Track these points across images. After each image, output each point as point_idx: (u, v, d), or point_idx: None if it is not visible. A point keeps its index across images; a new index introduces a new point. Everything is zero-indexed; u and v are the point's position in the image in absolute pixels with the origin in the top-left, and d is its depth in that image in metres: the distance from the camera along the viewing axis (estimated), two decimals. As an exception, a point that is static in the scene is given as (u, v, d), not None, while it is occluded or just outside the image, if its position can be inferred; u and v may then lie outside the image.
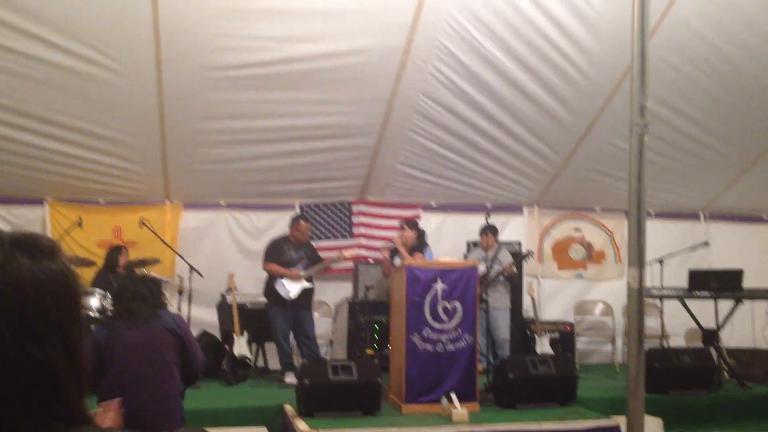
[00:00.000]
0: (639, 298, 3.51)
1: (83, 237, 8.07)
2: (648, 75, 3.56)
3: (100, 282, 7.10)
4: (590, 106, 7.61)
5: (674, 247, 8.12)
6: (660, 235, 9.33)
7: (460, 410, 5.68)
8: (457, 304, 6.13)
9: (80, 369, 1.04)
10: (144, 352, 3.85)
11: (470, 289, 6.19)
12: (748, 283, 7.31)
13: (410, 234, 7.43)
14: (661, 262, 7.54)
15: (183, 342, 3.98)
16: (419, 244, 7.39)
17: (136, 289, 4.03)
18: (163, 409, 3.82)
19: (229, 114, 7.22)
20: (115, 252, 7.41)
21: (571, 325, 8.74)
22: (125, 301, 4.02)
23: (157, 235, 7.71)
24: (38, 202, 8.11)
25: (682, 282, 7.41)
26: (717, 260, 8.87)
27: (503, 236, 8.62)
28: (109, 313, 4.23)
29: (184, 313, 7.56)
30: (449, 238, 8.96)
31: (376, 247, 8.72)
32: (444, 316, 6.11)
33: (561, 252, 9.43)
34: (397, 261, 7.06)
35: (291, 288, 7.33)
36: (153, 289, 4.10)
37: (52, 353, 1.00)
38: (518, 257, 8.23)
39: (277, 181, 8.35)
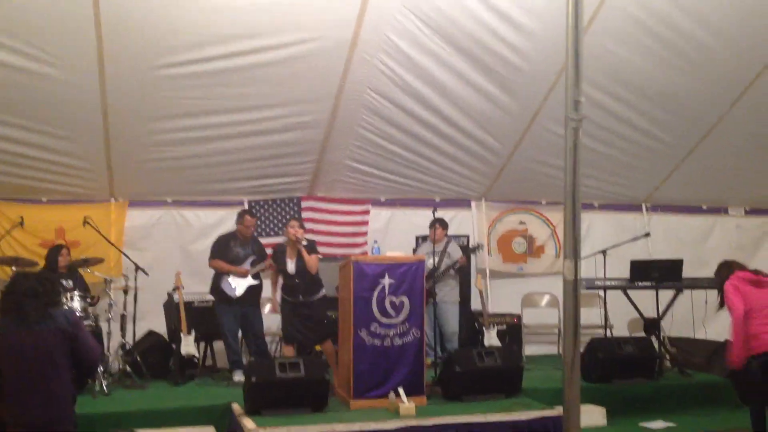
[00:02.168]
0: (574, 289, 3.57)
1: (25, 237, 7.91)
2: (582, 70, 3.60)
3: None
4: (534, 94, 7.67)
5: (618, 239, 8.28)
6: (604, 226, 9.53)
7: (407, 404, 5.72)
8: (405, 299, 6.16)
9: None
10: (32, 356, 3.70)
11: (417, 284, 6.23)
12: (687, 273, 7.51)
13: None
14: (604, 253, 7.67)
15: (75, 341, 3.83)
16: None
17: (28, 286, 3.86)
18: (53, 414, 3.70)
19: (174, 111, 7.15)
20: (54, 252, 7.25)
21: (519, 317, 8.86)
22: (17, 296, 3.83)
23: (101, 234, 7.56)
24: (-23, 201, 7.93)
25: (625, 273, 7.57)
26: (658, 251, 9.08)
27: (452, 230, 8.68)
28: None
29: (129, 312, 7.48)
30: (398, 233, 9.00)
31: (327, 242, 8.73)
32: (391, 311, 6.13)
33: (505, 245, 9.55)
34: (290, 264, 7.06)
35: (237, 285, 7.27)
36: (47, 286, 3.93)
37: None
38: (468, 250, 8.31)
39: (225, 178, 8.29)
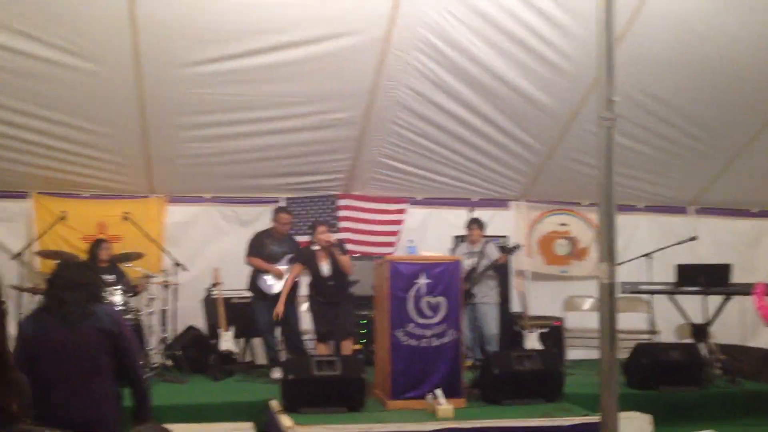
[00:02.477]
0: (610, 293, 3.45)
1: (68, 232, 8.00)
2: (615, 69, 3.49)
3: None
4: (574, 93, 7.50)
5: (664, 242, 8.09)
6: (649, 229, 9.31)
7: (445, 406, 5.63)
8: (441, 299, 6.07)
9: (6, 366, 0.97)
10: (73, 355, 3.53)
11: (454, 284, 6.14)
12: (736, 278, 7.29)
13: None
14: (648, 256, 7.49)
15: (118, 342, 3.66)
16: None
17: (70, 277, 3.69)
18: (94, 415, 3.55)
19: (210, 107, 7.16)
20: (95, 246, 7.31)
21: (560, 320, 8.69)
22: (58, 289, 3.65)
23: (140, 229, 7.62)
24: (23, 195, 8.04)
25: (672, 277, 7.38)
26: (706, 255, 8.83)
27: (490, 231, 8.56)
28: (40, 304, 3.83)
29: (169, 307, 7.51)
30: (435, 232, 8.91)
31: (362, 241, 8.68)
32: (428, 312, 6.05)
33: (546, 247, 9.39)
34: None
35: (273, 282, 7.25)
36: (89, 277, 3.79)
37: None
38: (507, 250, 8.18)
39: (262, 174, 8.31)
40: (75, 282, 3.67)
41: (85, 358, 3.56)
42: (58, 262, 4.49)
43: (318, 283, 7.08)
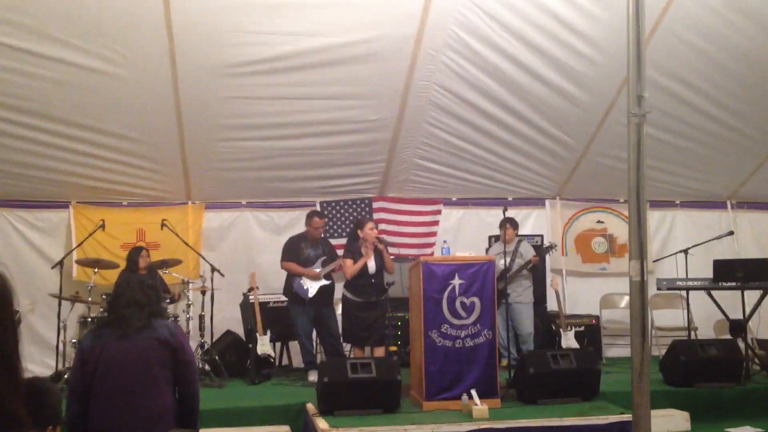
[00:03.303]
0: (641, 290, 3.44)
1: (107, 239, 8.16)
2: (645, 64, 3.47)
3: (121, 284, 7.18)
4: (608, 87, 7.45)
5: (702, 238, 7.98)
6: (687, 225, 9.20)
7: (480, 406, 5.64)
8: (475, 300, 6.08)
9: (16, 375, 1.03)
10: (132, 367, 3.57)
11: (488, 284, 6.13)
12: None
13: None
14: (686, 252, 7.40)
15: (176, 355, 3.69)
16: None
17: (132, 296, 3.74)
18: (152, 428, 3.56)
19: (244, 112, 7.26)
20: (134, 253, 7.47)
21: (597, 318, 8.63)
22: (119, 308, 3.72)
23: (177, 236, 7.77)
24: (63, 205, 8.24)
25: (710, 272, 7.29)
26: (746, 250, 8.70)
27: (526, 230, 8.54)
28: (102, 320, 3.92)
29: (207, 312, 7.63)
30: (470, 232, 8.92)
31: (398, 243, 8.71)
32: (462, 312, 6.06)
33: (584, 245, 9.31)
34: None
35: (309, 286, 7.32)
36: (151, 296, 3.82)
37: None
38: (541, 250, 8.15)
39: (296, 178, 8.38)
40: (137, 301, 3.73)
41: (143, 370, 3.60)
42: (119, 281, 4.52)
43: (359, 281, 7.10)
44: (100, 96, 6.86)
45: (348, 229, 8.71)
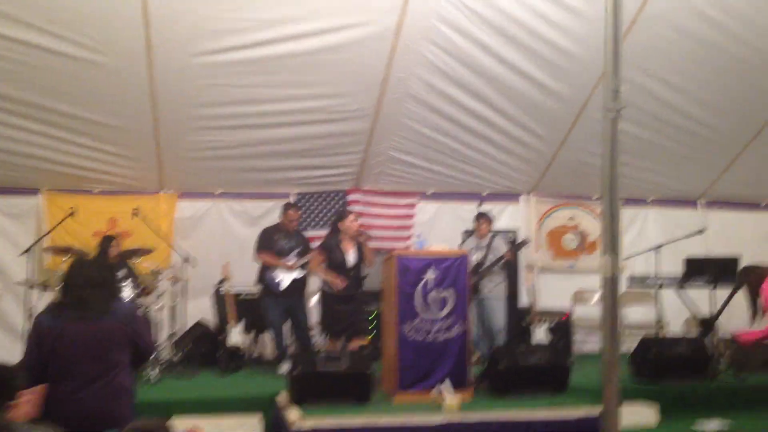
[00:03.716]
0: (613, 286, 3.47)
1: (78, 227, 8.05)
2: (621, 58, 3.50)
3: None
4: (586, 79, 7.45)
5: (673, 236, 8.07)
6: (658, 223, 9.30)
7: (451, 399, 5.66)
8: (449, 293, 6.11)
9: None
10: (91, 350, 3.58)
11: (461, 278, 6.17)
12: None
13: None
14: (656, 250, 7.48)
15: (135, 336, 3.73)
16: None
17: (88, 276, 3.72)
18: (108, 408, 3.58)
19: (221, 99, 7.18)
20: (106, 242, 7.37)
21: (569, 314, 8.69)
22: (77, 289, 3.69)
23: (150, 225, 7.68)
24: (33, 192, 8.11)
25: (680, 270, 7.38)
26: (716, 249, 8.80)
27: (500, 225, 8.57)
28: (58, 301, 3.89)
29: (178, 302, 7.57)
30: (445, 227, 8.91)
31: (372, 236, 8.70)
32: (435, 306, 6.09)
33: (555, 241, 9.38)
34: None
35: (282, 279, 7.30)
36: (107, 276, 3.83)
37: None
38: (515, 246, 8.19)
39: (272, 168, 8.31)
40: (95, 279, 3.72)
41: (102, 353, 3.61)
42: (74, 260, 4.50)
43: (339, 274, 7.08)
44: (74, 82, 6.75)
45: (322, 222, 8.70)
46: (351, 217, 7.19)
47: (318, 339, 7.62)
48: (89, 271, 3.77)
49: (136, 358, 3.80)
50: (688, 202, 9.60)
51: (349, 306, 7.08)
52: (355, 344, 7.17)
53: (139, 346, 3.77)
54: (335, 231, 7.23)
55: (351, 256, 7.11)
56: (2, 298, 7.79)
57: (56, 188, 8.10)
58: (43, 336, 3.60)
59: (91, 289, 3.67)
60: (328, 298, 7.14)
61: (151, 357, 3.92)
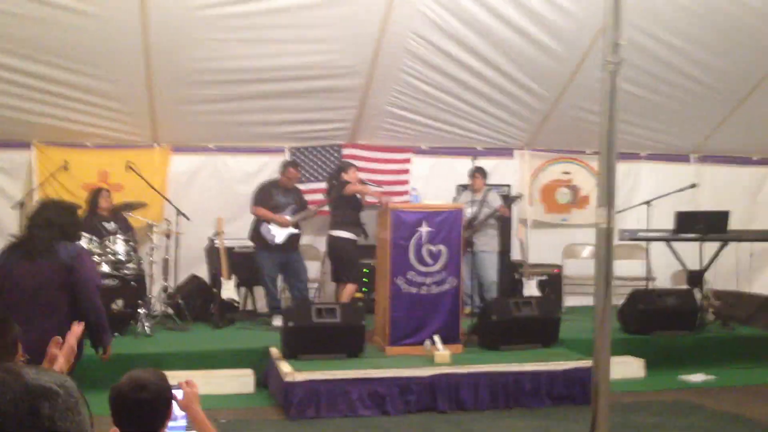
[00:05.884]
0: (607, 237, 3.49)
1: (69, 181, 8.00)
2: (622, 11, 3.47)
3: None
4: (582, 38, 7.40)
5: (665, 190, 8.09)
6: (651, 177, 9.31)
7: (442, 352, 5.74)
8: (442, 247, 6.13)
9: None
10: (30, 289, 3.65)
11: (455, 232, 6.19)
12: (736, 226, 7.31)
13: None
14: (648, 204, 7.51)
15: (73, 275, 3.73)
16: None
17: (47, 216, 3.78)
18: (43, 350, 3.46)
19: (215, 54, 7.10)
20: (95, 194, 7.35)
21: (560, 268, 8.77)
22: (31, 227, 3.78)
23: (143, 178, 7.64)
24: (25, 145, 8.01)
25: (672, 224, 7.42)
26: (707, 204, 8.84)
27: (494, 180, 8.58)
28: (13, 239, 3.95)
29: (171, 256, 7.59)
30: (440, 181, 8.89)
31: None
32: (429, 259, 6.12)
33: (548, 195, 9.39)
34: None
35: (277, 233, 7.33)
36: (64, 218, 3.85)
37: None
38: (508, 200, 8.21)
39: (267, 122, 8.25)
40: (49, 220, 3.75)
41: (41, 293, 3.66)
42: (41, 200, 4.49)
43: (353, 218, 7.37)
44: (67, 33, 6.64)
45: (316, 175, 8.67)
46: (352, 168, 7.38)
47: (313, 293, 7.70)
48: (49, 212, 3.81)
49: (77, 293, 3.76)
50: (681, 157, 9.60)
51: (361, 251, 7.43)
52: (351, 290, 7.32)
53: (78, 279, 3.74)
54: (337, 180, 7.37)
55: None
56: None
57: (48, 141, 8.03)
58: None
59: (39, 229, 3.71)
60: (347, 244, 7.34)
61: (91, 294, 3.82)
